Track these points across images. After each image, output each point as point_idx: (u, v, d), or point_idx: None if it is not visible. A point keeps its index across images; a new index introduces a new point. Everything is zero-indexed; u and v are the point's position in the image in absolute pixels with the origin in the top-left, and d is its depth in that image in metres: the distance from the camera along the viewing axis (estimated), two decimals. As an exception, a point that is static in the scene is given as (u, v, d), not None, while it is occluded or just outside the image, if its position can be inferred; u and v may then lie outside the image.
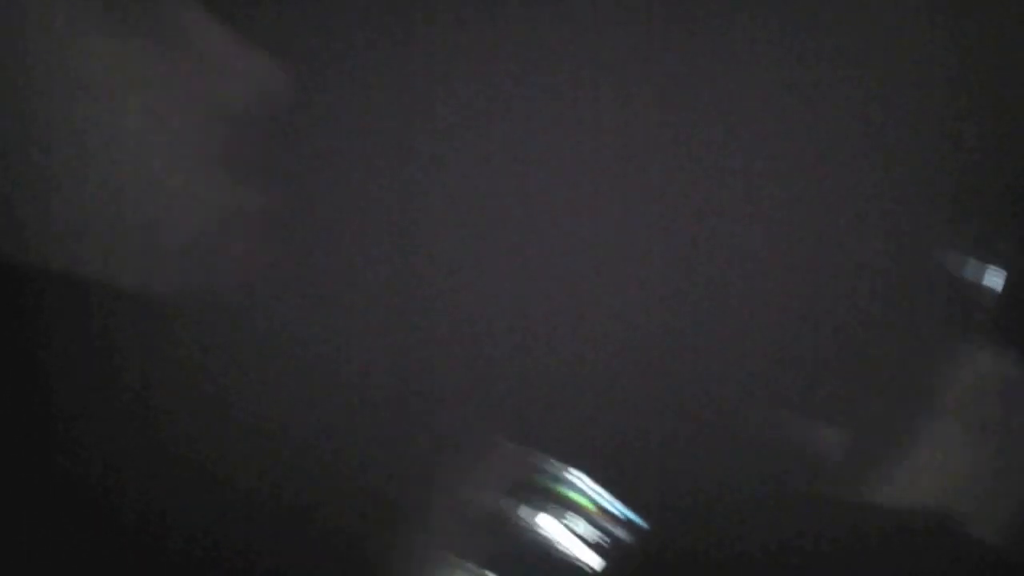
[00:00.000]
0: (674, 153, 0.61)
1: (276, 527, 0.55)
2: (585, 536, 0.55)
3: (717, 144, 0.61)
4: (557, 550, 0.54)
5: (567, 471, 0.56)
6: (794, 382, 0.59)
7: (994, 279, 0.59)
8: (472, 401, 0.59)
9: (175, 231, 0.58)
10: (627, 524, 0.55)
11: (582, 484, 0.56)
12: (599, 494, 0.56)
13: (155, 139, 0.58)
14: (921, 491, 0.54)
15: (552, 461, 0.56)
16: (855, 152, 0.61)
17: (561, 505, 0.55)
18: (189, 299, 0.58)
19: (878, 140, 0.61)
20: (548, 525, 0.55)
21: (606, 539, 0.55)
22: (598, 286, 0.60)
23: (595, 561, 0.54)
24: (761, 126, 0.62)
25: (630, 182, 0.60)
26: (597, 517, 0.55)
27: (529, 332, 0.59)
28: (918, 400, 0.58)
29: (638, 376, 0.59)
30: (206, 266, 0.58)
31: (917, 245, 0.60)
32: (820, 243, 0.62)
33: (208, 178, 0.58)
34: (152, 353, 0.56)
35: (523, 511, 0.55)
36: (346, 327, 0.59)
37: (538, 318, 0.60)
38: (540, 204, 0.60)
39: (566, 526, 0.55)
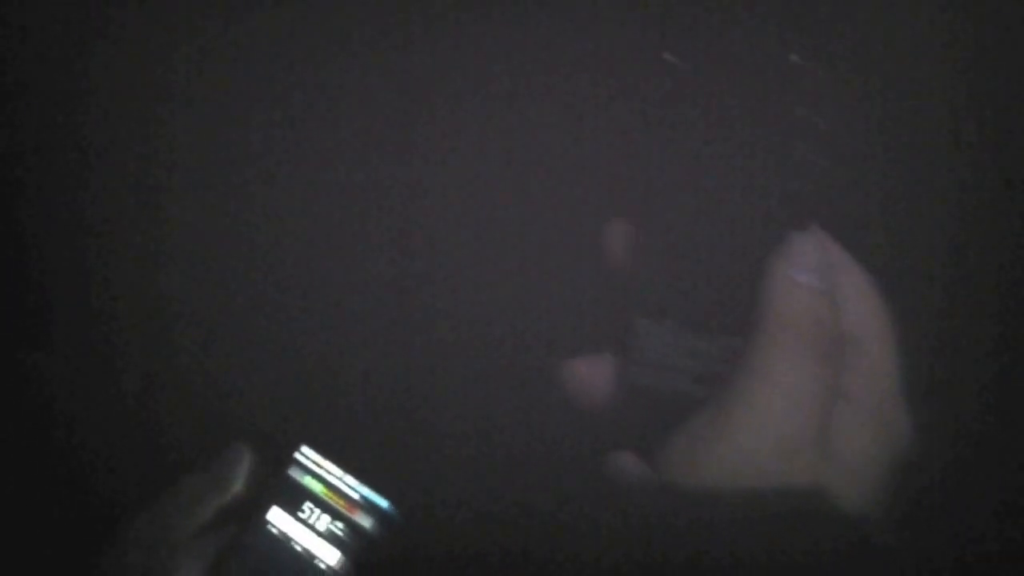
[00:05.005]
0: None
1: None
2: (328, 530, 0.51)
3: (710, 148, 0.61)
4: (299, 548, 0.51)
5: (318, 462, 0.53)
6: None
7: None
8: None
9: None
10: (378, 513, 0.51)
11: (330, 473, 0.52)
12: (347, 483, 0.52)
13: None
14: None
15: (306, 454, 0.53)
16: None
17: (306, 498, 0.52)
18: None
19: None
20: (291, 523, 0.51)
21: (351, 532, 0.51)
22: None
23: (337, 556, 0.51)
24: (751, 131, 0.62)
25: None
26: (342, 508, 0.51)
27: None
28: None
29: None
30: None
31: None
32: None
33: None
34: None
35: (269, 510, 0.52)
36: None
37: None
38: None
39: (309, 521, 0.51)
